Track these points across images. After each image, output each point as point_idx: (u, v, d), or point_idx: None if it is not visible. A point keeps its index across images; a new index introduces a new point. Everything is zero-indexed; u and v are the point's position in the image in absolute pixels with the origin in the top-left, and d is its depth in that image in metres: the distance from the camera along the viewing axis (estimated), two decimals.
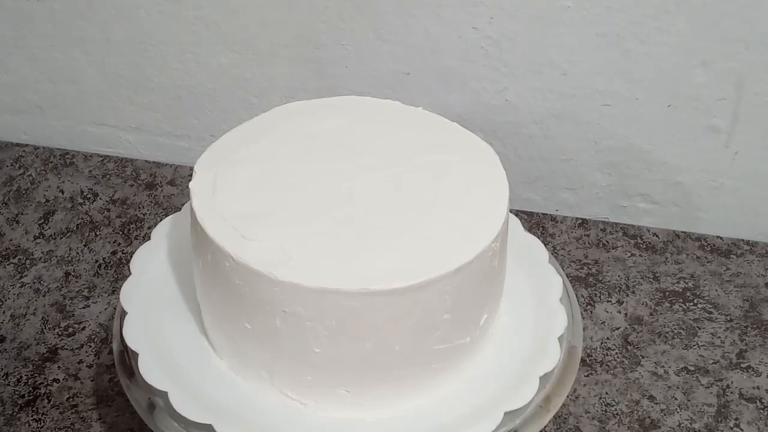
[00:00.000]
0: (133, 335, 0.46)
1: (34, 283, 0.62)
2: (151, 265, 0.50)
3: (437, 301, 0.41)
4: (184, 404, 0.42)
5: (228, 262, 0.41)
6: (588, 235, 0.67)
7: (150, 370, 0.44)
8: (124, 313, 0.47)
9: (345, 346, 0.41)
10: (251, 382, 0.44)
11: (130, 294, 0.48)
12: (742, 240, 0.66)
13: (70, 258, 0.64)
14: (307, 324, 0.40)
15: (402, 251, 0.41)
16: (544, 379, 0.45)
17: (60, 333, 0.59)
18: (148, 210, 0.69)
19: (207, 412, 0.42)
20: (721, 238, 0.67)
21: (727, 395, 0.55)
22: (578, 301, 0.51)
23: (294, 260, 0.40)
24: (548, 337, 0.46)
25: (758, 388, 0.55)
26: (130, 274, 0.50)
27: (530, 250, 0.52)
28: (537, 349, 0.46)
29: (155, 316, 0.48)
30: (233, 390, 0.44)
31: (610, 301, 0.61)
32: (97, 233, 0.67)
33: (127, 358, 0.46)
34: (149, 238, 0.52)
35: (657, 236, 0.67)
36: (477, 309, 0.44)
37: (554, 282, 0.50)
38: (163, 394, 0.43)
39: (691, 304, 0.61)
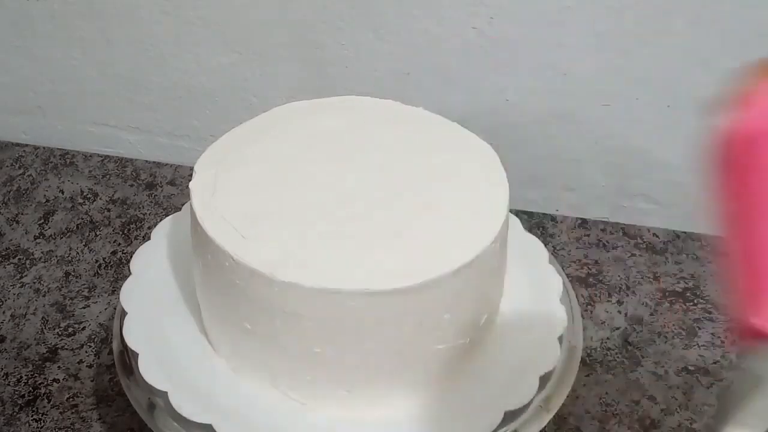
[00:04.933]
0: (133, 335, 0.46)
1: (34, 283, 0.62)
2: (151, 265, 0.50)
3: (437, 301, 0.41)
4: (184, 404, 0.43)
5: (228, 262, 0.41)
6: (588, 235, 0.67)
7: (150, 370, 0.44)
8: (124, 313, 0.47)
9: (345, 346, 0.41)
10: (251, 382, 0.44)
11: (130, 294, 0.48)
12: None
13: (70, 258, 0.64)
14: (307, 324, 0.40)
15: (402, 251, 0.41)
16: (544, 379, 0.45)
17: (60, 333, 0.59)
18: (148, 210, 0.69)
19: (207, 412, 0.42)
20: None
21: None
22: (578, 301, 0.51)
23: (294, 260, 0.40)
24: (548, 337, 0.46)
25: None
26: (130, 274, 0.50)
27: (530, 250, 0.52)
28: (537, 349, 0.46)
29: (155, 316, 0.48)
30: (233, 390, 0.44)
31: (610, 301, 0.61)
32: (97, 233, 0.67)
33: (127, 358, 0.46)
34: (149, 238, 0.52)
35: (657, 236, 0.67)
36: (477, 309, 0.44)
37: (554, 282, 0.50)
38: (163, 394, 0.43)
39: (691, 304, 0.61)
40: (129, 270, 0.50)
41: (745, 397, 0.20)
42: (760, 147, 0.26)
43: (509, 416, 0.43)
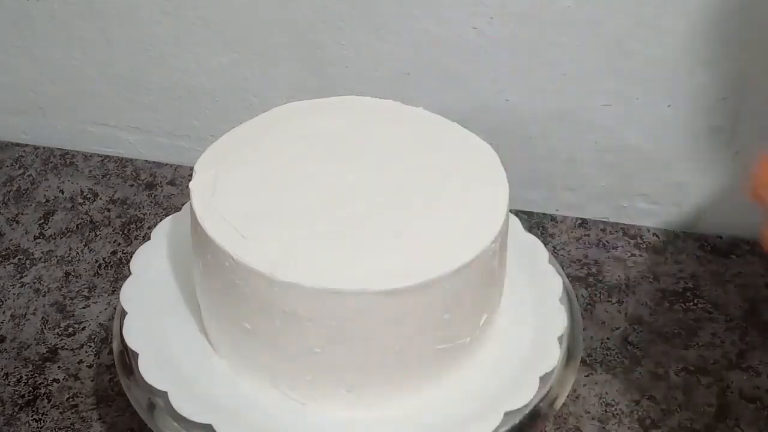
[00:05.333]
0: (133, 335, 0.46)
1: (34, 283, 0.62)
2: (151, 265, 0.50)
3: (437, 301, 0.41)
4: (184, 404, 0.42)
5: (228, 262, 0.41)
6: (588, 235, 0.67)
7: (150, 370, 0.44)
8: (124, 313, 0.47)
9: (345, 346, 0.41)
10: (251, 382, 0.44)
11: (130, 294, 0.48)
12: (742, 240, 0.66)
13: (70, 258, 0.64)
14: (307, 324, 0.40)
15: (402, 251, 0.41)
16: (544, 379, 0.45)
17: (60, 333, 0.59)
18: (148, 210, 0.69)
19: (207, 412, 0.42)
20: (721, 237, 0.67)
21: (727, 395, 0.55)
22: (578, 301, 0.51)
23: (294, 260, 0.40)
24: (548, 337, 0.46)
25: (758, 388, 0.55)
26: (130, 274, 0.50)
27: (530, 250, 0.52)
28: (537, 349, 0.46)
29: (155, 316, 0.48)
30: (233, 390, 0.44)
31: (610, 301, 0.61)
32: (97, 233, 0.67)
33: (127, 358, 0.46)
34: (149, 238, 0.52)
35: (657, 236, 0.67)
36: (477, 309, 0.44)
37: (554, 282, 0.50)
38: (163, 394, 0.43)
39: (691, 304, 0.61)
40: (129, 270, 0.50)
41: None
42: None
43: (509, 416, 0.43)
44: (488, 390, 0.44)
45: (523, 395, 0.43)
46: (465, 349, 0.44)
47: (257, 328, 0.42)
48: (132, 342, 0.46)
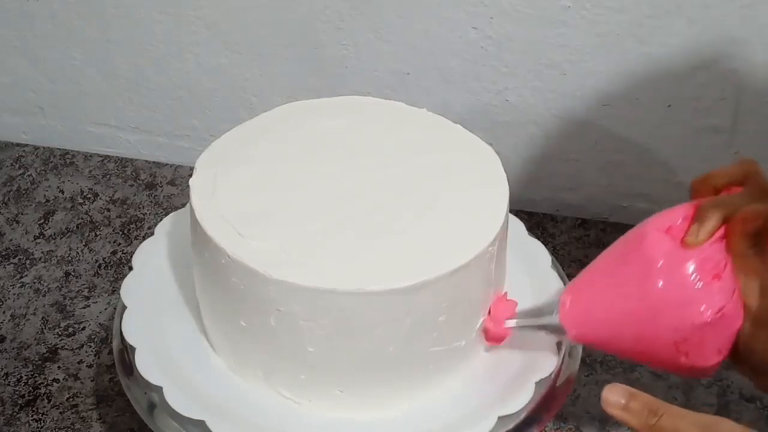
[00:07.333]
0: (131, 330, 0.46)
1: (34, 283, 0.62)
2: (153, 261, 0.50)
3: (433, 302, 0.41)
4: (177, 400, 0.42)
5: (224, 259, 0.41)
6: (588, 235, 0.67)
7: (146, 365, 0.44)
8: (124, 310, 0.47)
9: (339, 346, 0.41)
10: (247, 380, 0.44)
11: (130, 289, 0.48)
12: None
13: (70, 258, 0.64)
14: (302, 323, 0.40)
15: (400, 252, 0.41)
16: (542, 382, 0.44)
17: (60, 333, 0.59)
18: (148, 210, 0.69)
19: (200, 408, 0.42)
20: None
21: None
22: None
23: (290, 259, 0.40)
24: (546, 343, 0.46)
25: None
26: (131, 270, 0.50)
27: (533, 254, 0.52)
28: (535, 354, 0.46)
29: (155, 312, 0.48)
30: (228, 387, 0.44)
31: None
32: (97, 233, 0.67)
33: (127, 357, 0.46)
34: (151, 236, 0.52)
35: None
36: (474, 311, 0.44)
37: (555, 286, 0.50)
38: (158, 389, 0.43)
39: None
40: (130, 267, 0.50)
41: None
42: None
43: (504, 420, 0.43)
44: (483, 393, 0.44)
45: (518, 400, 0.43)
46: (461, 352, 0.44)
47: (252, 326, 0.42)
48: (130, 336, 0.46)
